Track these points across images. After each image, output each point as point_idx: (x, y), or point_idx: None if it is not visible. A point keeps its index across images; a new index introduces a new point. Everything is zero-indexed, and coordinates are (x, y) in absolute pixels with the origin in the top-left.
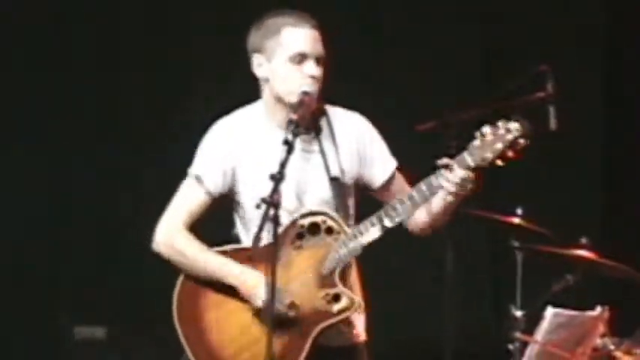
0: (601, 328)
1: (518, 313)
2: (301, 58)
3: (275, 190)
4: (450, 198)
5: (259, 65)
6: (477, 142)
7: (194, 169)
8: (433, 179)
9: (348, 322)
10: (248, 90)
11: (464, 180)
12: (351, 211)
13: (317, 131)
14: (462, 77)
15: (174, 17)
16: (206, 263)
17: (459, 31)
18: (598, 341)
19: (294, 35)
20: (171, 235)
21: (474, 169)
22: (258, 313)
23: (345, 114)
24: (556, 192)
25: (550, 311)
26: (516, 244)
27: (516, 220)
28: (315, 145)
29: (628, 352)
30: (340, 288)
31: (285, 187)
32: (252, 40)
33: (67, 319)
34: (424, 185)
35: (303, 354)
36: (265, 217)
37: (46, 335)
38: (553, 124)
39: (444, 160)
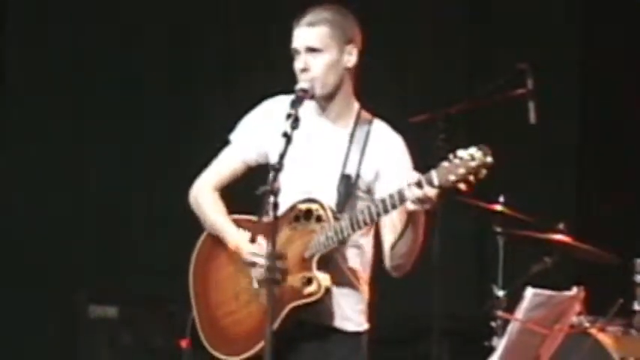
0: (577, 307)
1: (500, 293)
2: (296, 55)
3: (274, 179)
4: (410, 208)
5: None
6: (445, 163)
7: (232, 136)
8: (405, 189)
9: (336, 304)
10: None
11: (426, 197)
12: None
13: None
14: (451, 75)
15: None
16: (215, 222)
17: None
18: (574, 319)
19: (293, 35)
20: (199, 191)
21: (439, 188)
22: (249, 279)
23: (388, 131)
24: (535, 181)
25: (530, 291)
26: (498, 229)
27: (498, 207)
28: (345, 140)
29: (602, 330)
30: (314, 273)
31: (299, 167)
32: None
33: (82, 299)
34: (395, 193)
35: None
36: (265, 205)
37: (62, 313)
38: (532, 118)
39: (415, 175)
